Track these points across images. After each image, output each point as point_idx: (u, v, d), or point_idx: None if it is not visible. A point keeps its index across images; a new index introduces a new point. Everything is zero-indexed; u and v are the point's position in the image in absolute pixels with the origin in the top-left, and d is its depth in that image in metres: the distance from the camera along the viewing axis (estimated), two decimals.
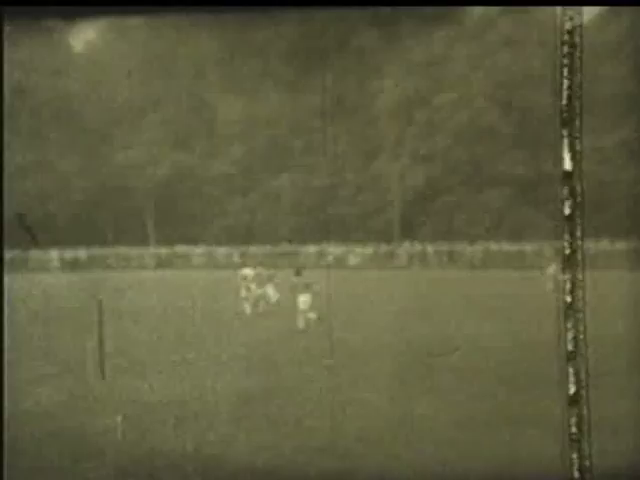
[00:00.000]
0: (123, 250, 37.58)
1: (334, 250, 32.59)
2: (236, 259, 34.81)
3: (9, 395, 9.66)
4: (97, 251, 37.48)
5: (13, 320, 19.39)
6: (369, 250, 32.89)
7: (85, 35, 44.77)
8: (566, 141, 7.11)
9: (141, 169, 37.09)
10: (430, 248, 34.90)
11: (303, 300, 19.72)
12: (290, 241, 31.61)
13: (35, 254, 43.77)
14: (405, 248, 33.13)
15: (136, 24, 42.08)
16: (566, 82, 6.96)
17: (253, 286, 22.77)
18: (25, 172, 47.48)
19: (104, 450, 8.60)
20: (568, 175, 7.04)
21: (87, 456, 8.27)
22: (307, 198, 32.11)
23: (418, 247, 34.91)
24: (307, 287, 20.08)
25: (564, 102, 6.99)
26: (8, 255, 37.81)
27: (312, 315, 18.87)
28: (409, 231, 32.11)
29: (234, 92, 32.16)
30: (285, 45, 31.61)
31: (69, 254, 45.35)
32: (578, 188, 6.99)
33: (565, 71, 6.92)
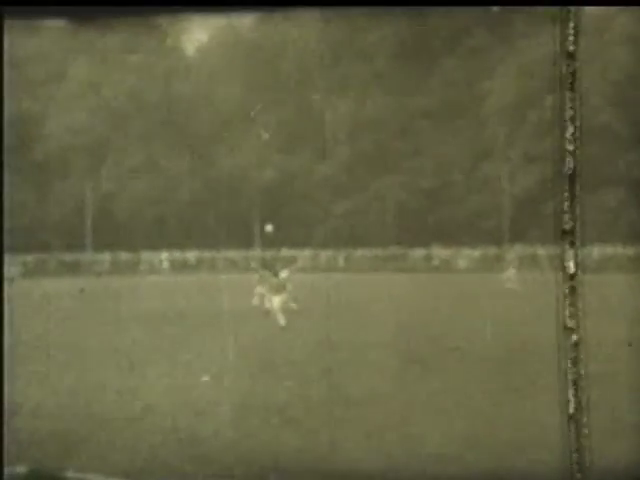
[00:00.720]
0: (230, 253, 37.94)
1: (441, 253, 32.15)
2: (341, 262, 34.71)
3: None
4: (206, 254, 37.96)
5: (125, 319, 19.82)
6: (477, 253, 32.31)
7: (196, 38, 45.52)
8: None
9: (248, 172, 37.39)
10: (541, 251, 34.03)
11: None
12: (398, 244, 31.31)
13: (146, 256, 44.65)
14: (515, 251, 32.42)
15: (247, 26, 42.54)
16: None
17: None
18: (136, 174, 48.56)
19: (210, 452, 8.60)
20: None
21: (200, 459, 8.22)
22: (414, 200, 31.77)
23: (528, 250, 34.08)
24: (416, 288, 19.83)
25: None
26: (121, 257, 38.88)
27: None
28: (519, 234, 31.42)
29: (341, 95, 32.07)
30: (393, 47, 31.33)
31: (178, 256, 46.10)
32: None
33: None
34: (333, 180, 33.58)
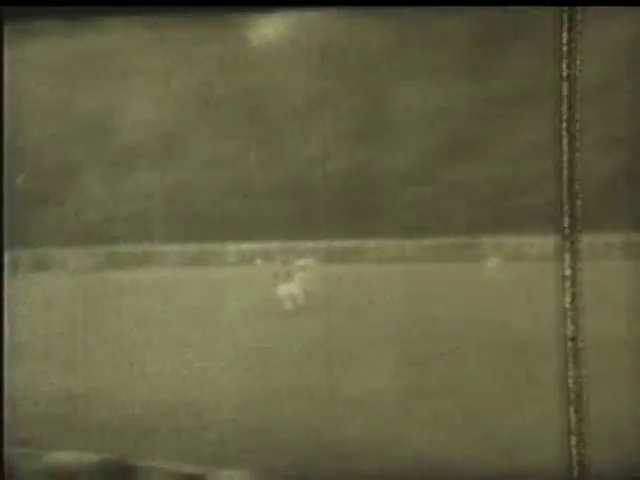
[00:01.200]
0: (297, 244, 38.01)
1: (512, 242, 31.70)
2: (408, 252, 34.47)
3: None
4: (274, 245, 38.11)
5: (196, 310, 19.99)
6: (549, 242, 31.72)
7: (266, 31, 45.74)
8: None
9: (317, 163, 37.37)
10: (617, 239, 33.15)
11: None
12: (467, 233, 30.99)
13: (213, 248, 45.13)
14: (588, 240, 31.75)
15: (316, 19, 42.55)
16: None
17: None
18: (208, 166, 48.97)
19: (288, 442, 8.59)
20: None
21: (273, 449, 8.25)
22: (484, 189, 31.38)
23: (602, 239, 33.28)
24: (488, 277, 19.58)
25: None
26: (188, 249, 39.26)
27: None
28: (592, 222, 30.79)
29: (410, 84, 31.82)
30: (464, 35, 30.94)
31: (246, 248, 46.43)
32: None
33: None
34: (403, 169, 33.37)
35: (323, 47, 34.97)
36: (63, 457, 4.11)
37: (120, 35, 44.04)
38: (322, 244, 37.23)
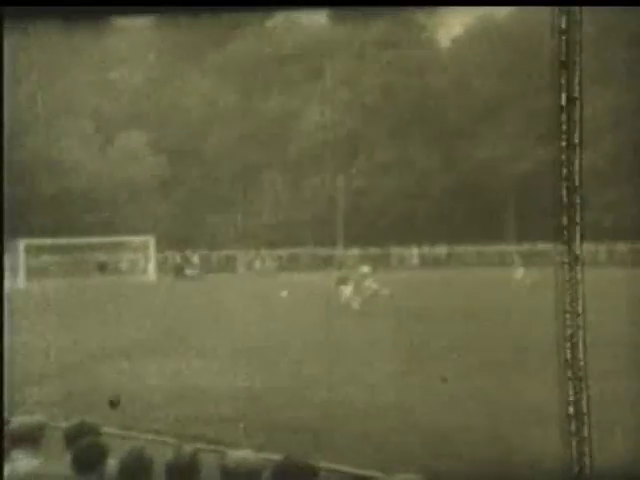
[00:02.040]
0: (481, 247, 37.16)
1: None
2: (602, 257, 32.96)
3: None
4: (456, 248, 37.44)
5: (374, 312, 19.80)
6: None
7: (451, 30, 45.10)
8: None
9: (502, 164, 36.44)
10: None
11: None
12: None
13: (397, 251, 44.91)
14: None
15: (502, 16, 41.60)
16: None
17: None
18: (387, 169, 48.82)
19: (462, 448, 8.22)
20: None
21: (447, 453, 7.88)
22: None
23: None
24: None
25: None
26: (371, 252, 38.55)
27: None
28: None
29: (602, 84, 30.41)
30: None
31: (428, 251, 45.96)
32: None
33: None
34: (594, 170, 31.95)
35: (509, 48, 33.98)
36: (245, 455, 4.01)
37: (311, 36, 44.26)
38: (510, 247, 36.41)
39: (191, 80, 53.59)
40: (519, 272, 25.57)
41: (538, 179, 34.92)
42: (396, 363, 12.13)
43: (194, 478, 4.25)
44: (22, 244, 35.68)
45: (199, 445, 6.22)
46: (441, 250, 40.00)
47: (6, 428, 4.74)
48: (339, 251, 49.26)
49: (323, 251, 46.92)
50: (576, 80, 6.09)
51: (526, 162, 35.92)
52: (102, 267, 37.99)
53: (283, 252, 41.68)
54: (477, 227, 33.29)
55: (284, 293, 23.04)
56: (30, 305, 21.84)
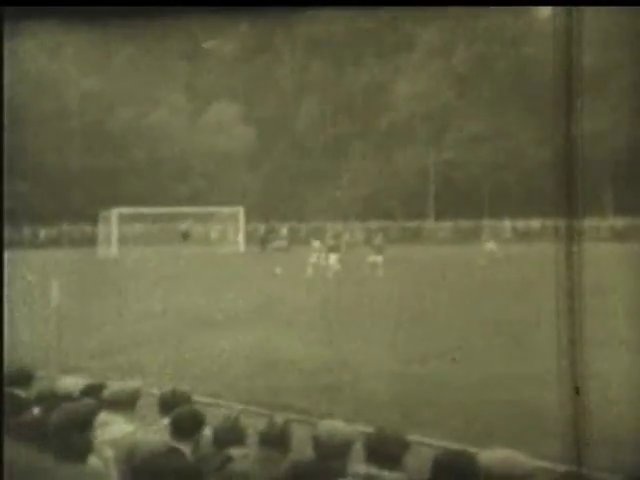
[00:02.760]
0: (576, 222, 36.25)
1: None
2: None
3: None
4: (549, 222, 36.61)
5: (459, 287, 19.57)
6: None
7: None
8: None
9: (600, 138, 35.36)
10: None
11: None
12: None
13: (489, 224, 44.03)
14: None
15: None
16: None
17: None
18: (481, 141, 47.91)
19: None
20: None
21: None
22: None
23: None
24: None
25: None
26: (462, 225, 38.21)
27: None
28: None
29: None
30: None
31: (521, 224, 45.08)
32: None
33: None
34: None
35: (614, 19, 32.82)
36: (337, 426, 3.93)
37: (398, 8, 43.90)
38: (607, 222, 35.68)
39: (282, 52, 53.66)
40: (615, 247, 24.90)
41: (636, 153, 33.95)
42: (492, 337, 11.93)
43: (286, 448, 4.20)
44: (115, 213, 36.34)
45: (290, 415, 6.18)
46: (535, 223, 39.26)
47: (103, 393, 4.77)
48: (430, 224, 48.80)
49: (413, 224, 46.53)
50: None
51: (625, 136, 34.89)
52: (185, 236, 38.43)
53: (372, 224, 41.43)
54: (572, 201, 32.41)
55: (376, 263, 22.94)
56: (122, 273, 22.24)
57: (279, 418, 4.33)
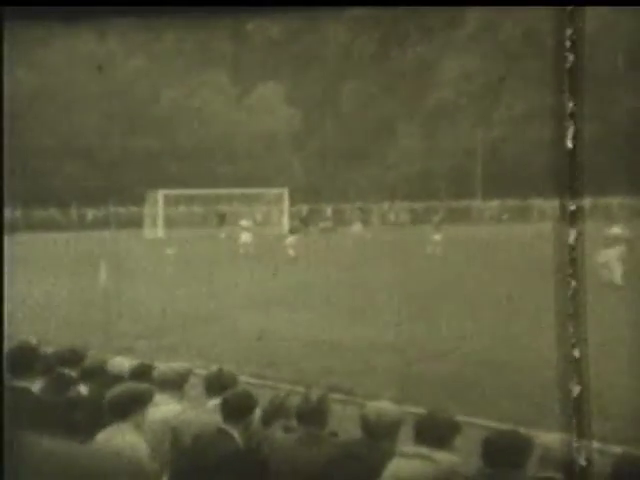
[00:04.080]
0: (617, 200, 35.85)
1: None
2: None
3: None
4: (600, 201, 36.03)
5: (506, 266, 19.29)
6: None
7: None
8: None
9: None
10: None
11: None
12: None
13: (537, 203, 43.45)
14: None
15: None
16: None
17: None
18: (528, 119, 47.18)
19: None
20: None
21: None
22: None
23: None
24: None
25: None
26: (510, 204, 37.75)
27: None
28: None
29: None
30: None
31: (568, 203, 44.28)
32: None
33: None
34: None
35: None
36: (385, 407, 3.86)
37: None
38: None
39: (328, 30, 53.24)
40: None
41: None
42: (532, 321, 11.79)
43: (323, 422, 4.16)
44: (161, 195, 36.46)
45: (336, 395, 6.14)
46: (585, 202, 38.72)
47: (153, 372, 4.79)
48: (477, 203, 48.19)
49: (461, 203, 45.94)
50: None
51: None
52: (222, 218, 38.11)
53: (418, 205, 41.02)
54: (623, 179, 31.88)
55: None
56: (169, 254, 22.36)
57: (315, 392, 4.30)
